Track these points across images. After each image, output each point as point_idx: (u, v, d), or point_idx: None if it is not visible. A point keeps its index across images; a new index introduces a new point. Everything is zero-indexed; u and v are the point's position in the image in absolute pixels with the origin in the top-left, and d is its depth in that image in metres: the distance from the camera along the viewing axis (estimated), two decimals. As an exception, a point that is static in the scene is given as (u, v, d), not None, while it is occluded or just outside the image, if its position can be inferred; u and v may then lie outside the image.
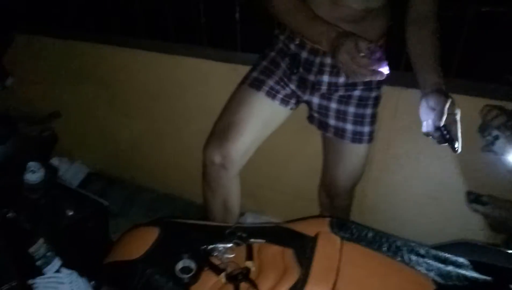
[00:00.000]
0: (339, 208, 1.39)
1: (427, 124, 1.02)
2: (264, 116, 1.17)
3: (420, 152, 1.45)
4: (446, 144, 0.99)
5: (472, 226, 1.20)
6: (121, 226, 1.87)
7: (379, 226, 1.67)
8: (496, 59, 1.37)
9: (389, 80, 1.09)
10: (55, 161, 2.08)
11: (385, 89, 1.26)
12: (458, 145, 0.97)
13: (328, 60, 1.12)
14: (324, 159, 1.34)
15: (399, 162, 1.51)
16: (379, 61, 0.87)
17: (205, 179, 1.22)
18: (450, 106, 0.97)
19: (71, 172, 2.20)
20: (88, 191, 2.17)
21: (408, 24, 1.08)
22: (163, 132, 1.96)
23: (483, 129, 1.06)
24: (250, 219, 1.93)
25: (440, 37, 1.05)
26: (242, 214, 1.93)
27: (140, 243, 0.84)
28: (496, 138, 1.01)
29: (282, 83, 1.19)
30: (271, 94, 1.17)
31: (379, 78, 0.88)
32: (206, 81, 1.69)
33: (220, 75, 1.63)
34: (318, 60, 1.13)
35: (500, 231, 1.10)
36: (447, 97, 0.98)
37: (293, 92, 1.20)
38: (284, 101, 1.19)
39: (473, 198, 1.08)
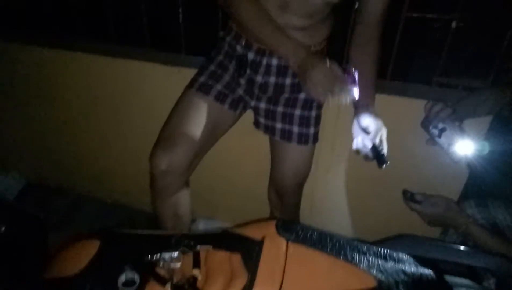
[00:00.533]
0: (288, 206, 1.42)
1: (357, 142, 1.07)
2: (213, 120, 1.16)
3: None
4: (374, 161, 1.03)
5: (415, 221, 1.27)
6: (62, 239, 1.79)
7: (328, 224, 1.74)
8: (427, 62, 1.47)
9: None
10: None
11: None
12: (385, 162, 1.01)
13: (274, 61, 1.14)
14: (272, 160, 1.36)
15: (344, 161, 1.56)
16: (351, 82, 0.90)
17: (153, 187, 1.17)
18: (379, 127, 1.03)
19: (5, 184, 2.05)
20: (27, 203, 2.07)
21: (353, 47, 1.12)
22: (106, 137, 1.88)
23: (428, 123, 1.12)
24: (202, 225, 1.91)
25: (378, 63, 1.11)
26: (193, 220, 1.90)
27: (79, 257, 0.79)
28: (443, 130, 1.06)
29: (230, 88, 1.19)
30: (220, 98, 1.16)
31: (348, 99, 0.91)
32: (150, 84, 1.64)
33: (164, 78, 1.59)
34: (264, 60, 1.14)
35: (436, 225, 1.17)
36: (377, 118, 1.05)
37: (241, 97, 1.20)
38: (233, 106, 1.19)
39: (408, 196, 1.13)
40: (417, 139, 1.22)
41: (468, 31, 1.38)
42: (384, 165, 1.00)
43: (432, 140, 1.11)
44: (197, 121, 1.14)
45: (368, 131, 1.04)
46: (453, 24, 1.27)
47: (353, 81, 0.90)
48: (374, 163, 1.03)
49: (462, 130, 1.05)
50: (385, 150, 1.03)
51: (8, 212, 1.14)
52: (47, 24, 1.76)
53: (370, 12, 1.05)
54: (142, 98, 1.69)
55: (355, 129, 1.08)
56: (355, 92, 0.91)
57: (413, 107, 1.34)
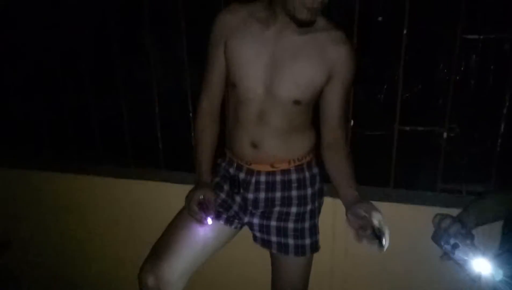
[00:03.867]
0: None
1: (359, 234, 1.05)
2: (206, 236, 1.20)
3: (375, 257, 1.47)
4: (377, 241, 1.01)
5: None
6: None
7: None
8: (428, 169, 1.53)
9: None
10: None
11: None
12: (385, 242, 1.00)
13: (262, 178, 1.23)
14: (272, 270, 1.36)
15: (358, 266, 1.51)
16: (206, 212, 1.17)
17: None
18: (374, 209, 1.04)
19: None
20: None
21: (323, 149, 1.23)
22: (123, 258, 1.87)
23: (438, 237, 1.08)
24: None
25: (351, 159, 1.20)
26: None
27: None
28: (455, 246, 1.02)
29: (225, 205, 1.25)
30: (215, 216, 1.21)
31: (203, 223, 1.16)
32: (166, 203, 1.69)
33: (178, 197, 1.65)
34: (253, 179, 1.23)
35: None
36: (368, 203, 1.07)
37: (236, 213, 1.26)
38: (229, 221, 1.25)
39: None
40: (427, 246, 1.20)
41: (460, 140, 1.46)
42: (384, 246, 0.99)
43: (446, 256, 1.08)
44: (186, 236, 1.18)
45: (363, 216, 1.04)
46: (444, 135, 1.35)
47: (208, 212, 1.17)
48: (375, 248, 1.00)
49: (474, 248, 1.01)
50: (384, 230, 1.00)
51: None
52: (66, 151, 1.86)
53: (328, 115, 1.17)
54: (158, 217, 1.71)
55: (352, 220, 1.07)
56: (209, 220, 1.17)
57: (420, 214, 1.35)
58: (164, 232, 1.25)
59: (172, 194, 1.65)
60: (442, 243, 1.07)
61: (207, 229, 1.20)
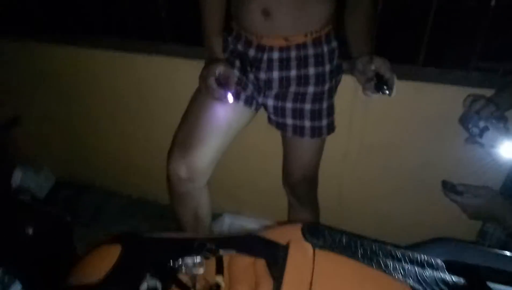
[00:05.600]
0: (300, 196, 1.38)
1: (365, 87, 0.97)
2: (229, 119, 1.12)
3: (394, 141, 1.43)
4: (384, 88, 0.91)
5: (451, 218, 1.19)
6: (92, 236, 1.82)
7: (357, 220, 1.67)
8: (462, 46, 1.36)
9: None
10: (18, 171, 1.97)
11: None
12: (389, 88, 0.90)
13: (275, 55, 1.10)
14: (284, 152, 1.32)
15: (373, 152, 1.48)
16: (226, 88, 1.05)
17: (173, 192, 1.15)
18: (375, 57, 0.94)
19: (38, 182, 2.09)
20: (56, 200, 2.11)
21: (348, 13, 1.10)
22: (129, 134, 1.88)
23: (467, 120, 1.02)
24: (228, 220, 1.89)
25: (375, 18, 1.10)
26: (219, 215, 1.89)
27: (101, 264, 0.77)
28: (484, 129, 0.96)
29: (242, 84, 1.14)
30: (235, 94, 1.12)
31: (223, 100, 1.05)
32: (172, 79, 1.61)
33: (185, 73, 1.56)
34: (265, 56, 1.10)
35: (478, 219, 1.09)
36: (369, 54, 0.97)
37: (252, 92, 1.16)
38: (248, 102, 1.15)
39: (449, 187, 1.06)
40: (452, 131, 1.13)
41: (510, 8, 1.26)
42: (391, 91, 0.90)
43: (472, 140, 1.01)
44: (211, 122, 1.10)
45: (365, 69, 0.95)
46: (492, 2, 1.16)
47: (228, 87, 1.05)
48: (380, 95, 0.93)
49: (507, 131, 0.94)
50: (388, 75, 0.91)
51: (35, 214, 1.15)
52: (67, 22, 1.76)
53: None
54: (163, 93, 1.67)
55: (357, 77, 0.99)
56: (229, 97, 1.05)
57: (449, 95, 1.25)
58: (184, 118, 1.17)
59: (179, 70, 1.57)
60: (470, 126, 1.00)
61: (229, 109, 1.11)
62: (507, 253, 0.69)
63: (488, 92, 1.10)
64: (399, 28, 1.37)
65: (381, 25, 1.22)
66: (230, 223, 1.88)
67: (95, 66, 1.71)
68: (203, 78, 1.09)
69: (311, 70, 1.12)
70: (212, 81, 1.05)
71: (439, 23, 1.26)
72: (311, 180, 1.34)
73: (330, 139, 1.26)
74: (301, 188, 1.34)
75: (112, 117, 1.85)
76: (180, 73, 1.58)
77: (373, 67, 0.92)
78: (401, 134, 1.39)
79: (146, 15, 1.65)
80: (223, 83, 1.06)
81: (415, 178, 1.46)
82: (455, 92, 1.20)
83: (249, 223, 1.86)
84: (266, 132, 1.41)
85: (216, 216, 1.88)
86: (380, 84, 0.91)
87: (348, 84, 1.27)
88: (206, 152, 1.09)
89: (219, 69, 1.06)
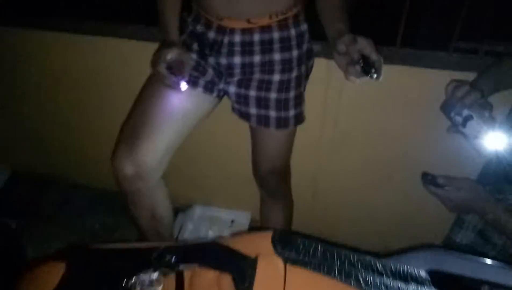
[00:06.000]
0: (270, 189, 1.30)
1: (348, 72, 0.86)
2: (184, 107, 1.01)
3: (370, 130, 1.36)
4: (372, 71, 0.81)
5: (429, 207, 1.14)
6: (54, 234, 1.70)
7: (331, 211, 1.61)
8: (440, 26, 1.28)
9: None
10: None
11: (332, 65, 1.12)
12: (376, 71, 0.81)
13: (237, 38, 0.99)
14: (252, 142, 1.22)
15: (349, 141, 1.41)
16: (178, 75, 0.95)
17: (122, 192, 1.04)
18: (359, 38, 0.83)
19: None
20: (15, 194, 1.96)
21: None
22: (91, 123, 1.74)
23: (449, 108, 0.95)
24: (198, 211, 1.80)
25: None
26: (190, 206, 1.80)
27: (41, 286, 0.67)
28: (468, 118, 0.89)
29: (200, 68, 1.03)
30: (191, 81, 1.01)
31: (176, 88, 0.96)
32: (135, 64, 1.47)
33: (148, 58, 1.43)
34: (226, 39, 0.99)
35: (459, 211, 1.04)
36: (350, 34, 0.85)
37: (212, 78, 1.05)
38: (208, 88, 1.04)
39: (429, 180, 0.99)
40: (432, 118, 1.06)
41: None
42: (380, 74, 0.81)
43: (454, 129, 0.94)
44: (162, 113, 0.98)
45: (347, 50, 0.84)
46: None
47: (181, 74, 0.96)
48: (368, 79, 0.82)
49: (492, 121, 0.87)
50: (374, 58, 0.81)
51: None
52: (21, 3, 1.57)
53: None
54: (123, 79, 1.53)
55: (337, 59, 0.88)
56: (183, 84, 0.96)
57: (427, 78, 1.18)
58: (133, 109, 1.04)
59: (142, 54, 1.43)
60: (453, 115, 0.93)
61: (184, 97, 1.00)
62: (493, 262, 0.63)
63: (469, 75, 1.04)
64: (375, 7, 1.27)
65: (356, 5, 1.12)
66: (200, 214, 1.80)
67: (49, 52, 1.55)
68: (153, 63, 0.97)
69: (276, 56, 1.02)
70: (162, 67, 0.94)
71: (417, 3, 1.18)
72: (281, 173, 1.25)
73: (302, 128, 1.17)
74: (271, 181, 1.26)
75: (72, 106, 1.70)
76: (143, 57, 1.44)
77: (358, 48, 0.81)
78: (378, 122, 1.32)
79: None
80: (176, 69, 0.96)
81: (393, 168, 1.40)
82: (434, 75, 1.13)
83: (220, 214, 1.78)
84: (235, 118, 1.32)
85: (186, 207, 1.79)
86: (368, 67, 0.81)
87: (320, 69, 1.18)
88: (156, 146, 0.98)
89: (172, 54, 0.94)
